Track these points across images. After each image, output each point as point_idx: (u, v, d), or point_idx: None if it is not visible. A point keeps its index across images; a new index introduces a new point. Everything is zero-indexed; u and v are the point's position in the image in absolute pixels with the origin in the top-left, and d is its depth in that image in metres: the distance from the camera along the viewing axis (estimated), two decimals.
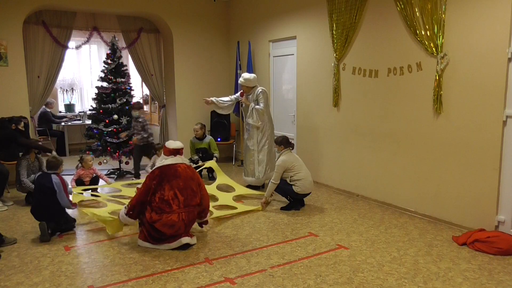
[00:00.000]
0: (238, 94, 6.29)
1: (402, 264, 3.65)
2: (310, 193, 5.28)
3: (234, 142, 8.40)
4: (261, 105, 5.90)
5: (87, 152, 6.82)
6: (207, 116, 8.36)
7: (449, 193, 4.60)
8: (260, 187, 6.16)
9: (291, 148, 5.32)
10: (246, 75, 6.07)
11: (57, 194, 4.32)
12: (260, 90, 5.96)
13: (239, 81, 6.11)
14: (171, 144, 4.20)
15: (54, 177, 4.39)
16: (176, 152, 4.17)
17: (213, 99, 6.25)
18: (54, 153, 5.35)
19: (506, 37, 3.96)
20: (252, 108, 5.92)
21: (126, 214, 4.06)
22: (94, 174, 6.05)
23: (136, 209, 4.02)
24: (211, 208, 4.98)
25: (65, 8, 7.42)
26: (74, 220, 4.63)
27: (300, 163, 5.21)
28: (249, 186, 6.17)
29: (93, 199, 5.54)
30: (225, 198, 5.54)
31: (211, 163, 6.36)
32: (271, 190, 5.20)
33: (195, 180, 4.18)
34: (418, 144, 4.89)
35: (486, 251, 3.85)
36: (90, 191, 5.87)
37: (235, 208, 5.21)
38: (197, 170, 5.81)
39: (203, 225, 4.44)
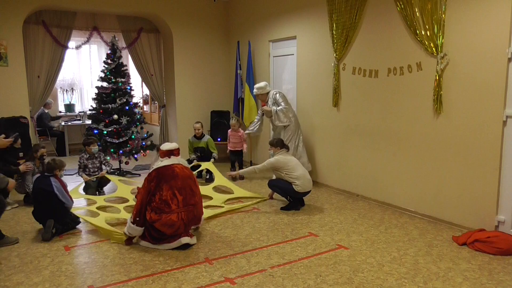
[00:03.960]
0: (260, 111, 6.51)
1: (402, 264, 3.65)
2: (310, 191, 5.28)
3: None
4: (283, 104, 6.11)
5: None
6: (207, 116, 8.37)
7: (449, 193, 4.60)
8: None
9: (286, 150, 5.34)
10: (258, 85, 6.33)
11: (59, 197, 4.33)
12: (275, 93, 6.22)
13: (254, 93, 6.36)
14: (166, 146, 4.24)
15: (53, 180, 4.38)
16: (171, 153, 4.18)
17: (248, 132, 6.77)
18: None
19: (506, 37, 3.96)
20: (276, 111, 6.06)
21: (133, 223, 4.01)
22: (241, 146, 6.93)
23: (142, 213, 4.01)
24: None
25: (65, 8, 7.42)
26: (77, 216, 4.64)
27: (294, 163, 5.21)
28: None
29: (90, 198, 5.54)
30: (218, 199, 5.56)
31: (208, 165, 6.35)
32: (248, 172, 5.43)
33: (193, 179, 4.20)
34: (418, 144, 4.89)
35: (486, 251, 3.85)
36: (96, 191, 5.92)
37: (222, 207, 5.23)
38: (195, 172, 5.82)
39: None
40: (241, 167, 6.76)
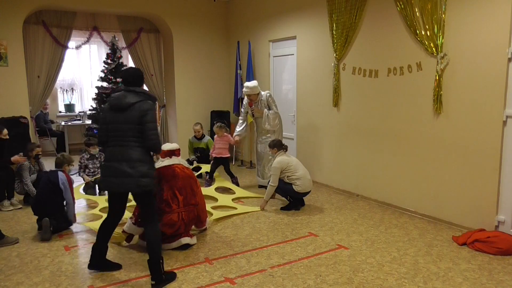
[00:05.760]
0: (244, 108, 6.27)
1: (402, 264, 3.65)
2: (310, 191, 5.28)
3: None
4: (274, 108, 6.00)
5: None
6: (207, 116, 8.37)
7: (449, 193, 4.60)
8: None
9: (284, 150, 5.33)
10: (249, 84, 6.08)
11: (63, 192, 4.36)
12: (268, 94, 6.06)
13: (244, 91, 6.11)
14: (166, 146, 4.23)
15: (60, 174, 4.44)
16: (172, 153, 4.18)
17: (237, 136, 6.29)
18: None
19: (506, 37, 3.96)
20: (267, 114, 5.95)
21: (134, 224, 4.00)
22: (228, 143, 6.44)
23: None
24: (210, 209, 4.99)
25: (65, 8, 7.42)
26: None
27: (295, 163, 5.21)
28: (260, 186, 6.30)
29: (91, 199, 5.53)
30: (224, 199, 5.54)
31: (207, 168, 6.33)
32: (270, 193, 5.20)
33: (194, 179, 4.21)
34: (418, 144, 4.89)
35: (486, 251, 3.85)
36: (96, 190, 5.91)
37: (235, 208, 5.22)
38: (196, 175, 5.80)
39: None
40: (231, 175, 6.37)
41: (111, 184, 3.26)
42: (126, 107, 3.23)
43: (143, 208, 3.41)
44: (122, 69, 3.38)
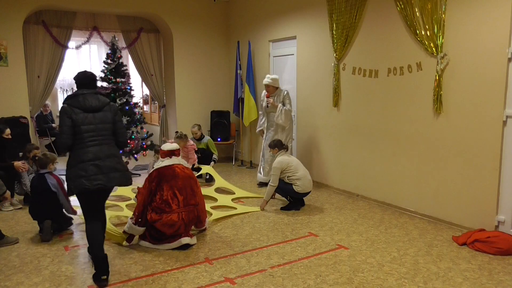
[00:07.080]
0: (262, 101, 6.33)
1: (402, 264, 3.65)
2: (310, 191, 5.28)
3: (234, 142, 8.39)
4: (288, 106, 6.07)
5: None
6: (207, 116, 8.37)
7: (449, 193, 4.60)
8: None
9: (285, 150, 5.34)
10: (272, 76, 6.20)
11: (57, 194, 4.34)
12: (286, 92, 6.15)
13: (265, 82, 6.14)
14: (167, 146, 4.24)
15: (49, 178, 4.37)
16: (172, 153, 4.19)
17: (260, 130, 6.54)
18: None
19: (506, 37, 3.96)
20: (281, 109, 6.00)
21: (135, 224, 4.01)
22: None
23: (144, 214, 4.01)
24: (209, 209, 4.99)
25: (65, 8, 7.42)
26: (71, 217, 4.63)
27: (296, 163, 5.21)
28: (260, 184, 6.35)
29: None
30: (224, 200, 5.54)
31: (208, 169, 6.33)
32: (270, 193, 5.20)
33: (194, 179, 4.21)
34: (418, 144, 4.89)
35: (486, 251, 3.85)
36: None
37: (235, 208, 5.22)
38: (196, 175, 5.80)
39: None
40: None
41: (96, 181, 3.26)
42: (102, 108, 3.41)
43: (101, 204, 3.55)
44: (78, 72, 3.51)
